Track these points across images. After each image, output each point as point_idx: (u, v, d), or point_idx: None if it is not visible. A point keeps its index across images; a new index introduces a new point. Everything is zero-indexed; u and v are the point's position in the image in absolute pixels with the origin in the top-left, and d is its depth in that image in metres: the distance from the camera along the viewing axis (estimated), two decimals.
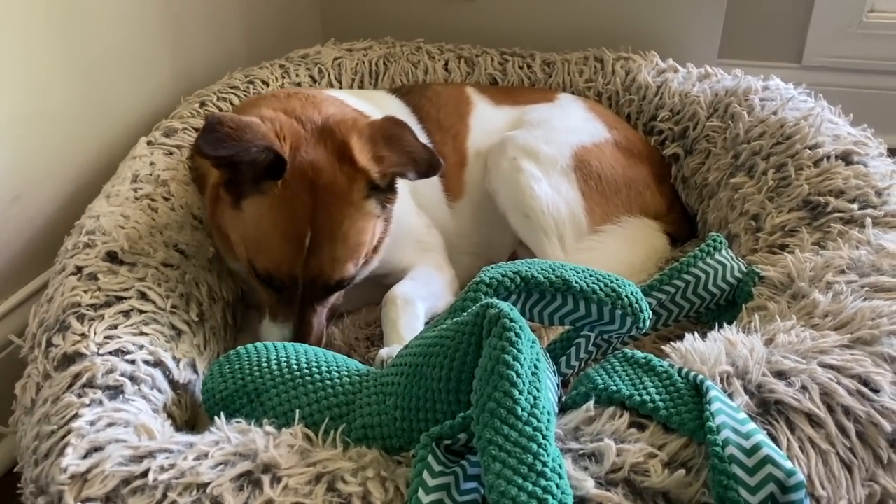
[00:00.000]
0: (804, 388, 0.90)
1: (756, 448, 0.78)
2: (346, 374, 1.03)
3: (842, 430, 0.89)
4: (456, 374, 0.88)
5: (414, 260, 1.51)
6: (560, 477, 0.77)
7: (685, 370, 0.90)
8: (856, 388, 0.92)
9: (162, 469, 0.87)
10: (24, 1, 1.35)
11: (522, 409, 0.79)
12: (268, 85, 1.77)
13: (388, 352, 1.19)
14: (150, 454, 0.89)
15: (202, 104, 1.66)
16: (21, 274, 1.43)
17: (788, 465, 0.77)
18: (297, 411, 0.97)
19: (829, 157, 1.44)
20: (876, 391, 0.92)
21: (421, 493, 0.79)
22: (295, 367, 1.03)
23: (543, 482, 0.75)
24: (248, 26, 2.02)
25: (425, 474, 0.81)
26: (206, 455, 0.89)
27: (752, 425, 0.81)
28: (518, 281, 0.99)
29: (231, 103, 1.67)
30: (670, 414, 0.85)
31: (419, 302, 1.37)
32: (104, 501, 0.86)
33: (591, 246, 1.59)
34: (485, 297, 0.98)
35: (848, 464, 0.88)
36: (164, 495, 0.85)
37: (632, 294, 1.02)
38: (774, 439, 0.86)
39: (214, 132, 1.19)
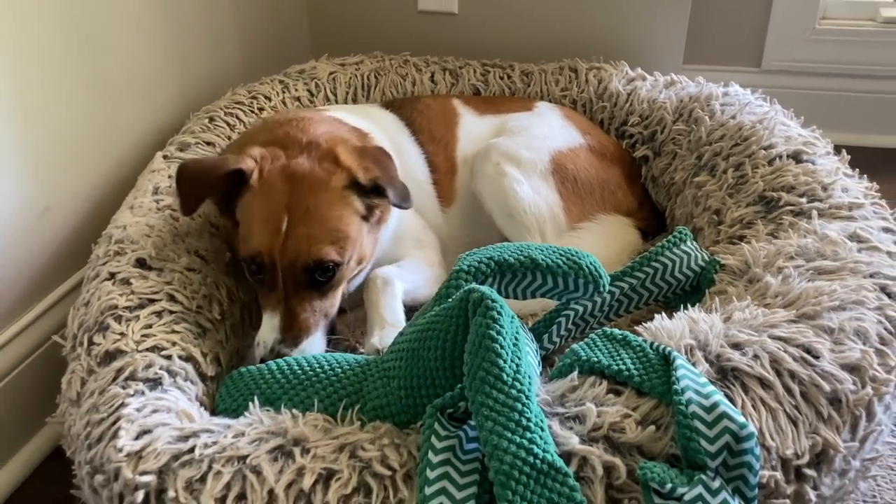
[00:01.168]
0: (756, 356, 1.01)
1: (714, 406, 0.89)
2: (349, 366, 1.13)
3: (788, 391, 0.99)
4: (449, 352, 0.99)
5: (410, 254, 1.58)
6: (542, 430, 0.88)
7: (655, 344, 1.01)
8: (800, 356, 1.02)
9: (206, 445, 0.96)
10: (46, 29, 1.42)
11: (507, 375, 0.90)
12: (269, 99, 1.84)
13: (379, 341, 1.29)
14: (194, 434, 0.98)
15: (211, 119, 1.73)
16: (50, 280, 1.50)
17: (741, 419, 0.88)
18: (311, 408, 1.06)
19: (781, 157, 1.53)
20: (817, 357, 1.03)
21: (431, 454, 0.89)
22: (299, 371, 1.12)
23: (528, 434, 0.86)
24: (244, 44, 2.08)
25: (433, 439, 0.91)
26: (242, 434, 0.98)
27: (711, 388, 0.92)
28: (492, 265, 1.10)
29: (237, 117, 1.75)
30: (643, 380, 0.96)
31: (397, 282, 1.43)
32: (157, 474, 0.94)
33: (570, 242, 1.65)
34: (465, 283, 1.08)
35: (794, 419, 0.98)
36: (210, 467, 0.93)
37: (590, 264, 1.13)
38: (731, 400, 0.96)
39: (181, 192, 1.33)
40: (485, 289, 0.97)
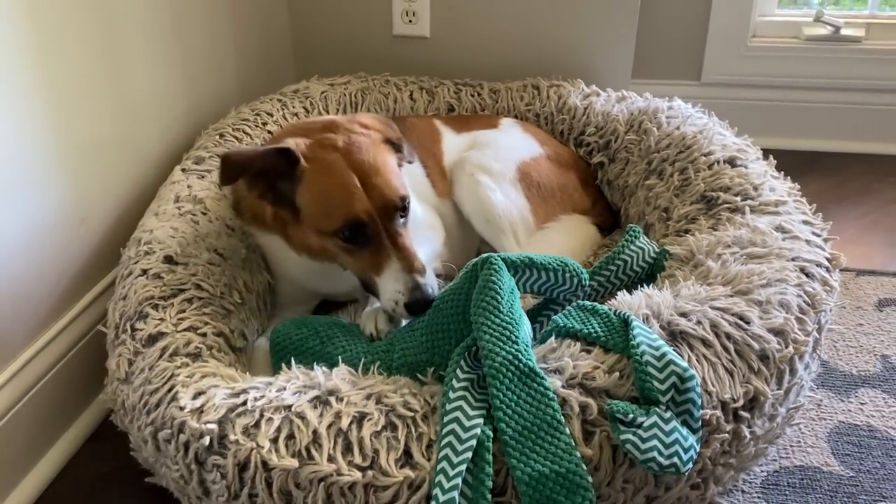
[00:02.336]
0: (699, 322, 1.19)
1: (663, 355, 1.08)
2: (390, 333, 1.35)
3: (725, 349, 1.17)
4: (463, 304, 1.21)
5: (420, 232, 1.64)
6: (527, 347, 1.10)
7: (618, 310, 1.20)
8: (734, 322, 1.20)
9: (255, 399, 1.11)
10: (83, 58, 1.53)
11: (503, 306, 1.14)
12: (271, 115, 1.94)
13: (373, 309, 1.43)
14: (244, 391, 1.13)
15: (221, 135, 1.83)
16: (86, 282, 1.60)
17: (684, 364, 1.08)
18: (358, 350, 1.26)
19: (718, 162, 1.68)
20: (748, 323, 1.21)
21: (454, 381, 1.09)
22: (350, 328, 1.32)
23: (516, 347, 1.10)
24: (241, 68, 2.18)
25: (458, 371, 1.11)
26: (283, 388, 1.14)
27: (661, 342, 1.11)
28: (500, 260, 1.26)
29: (244, 132, 1.85)
30: (608, 339, 1.15)
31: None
32: (217, 423, 1.08)
33: (539, 239, 1.82)
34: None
35: (730, 371, 1.16)
36: (262, 415, 1.08)
37: (573, 265, 1.34)
38: (679, 356, 1.13)
39: (226, 167, 1.36)
40: (491, 254, 1.20)
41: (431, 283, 1.34)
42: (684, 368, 1.07)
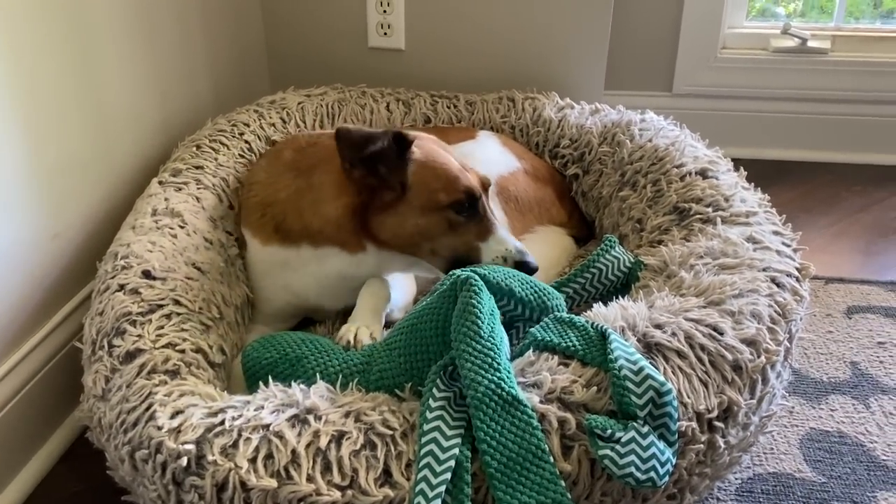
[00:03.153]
0: (674, 333, 1.19)
1: (641, 370, 1.08)
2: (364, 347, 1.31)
3: (699, 360, 1.18)
4: (442, 324, 1.18)
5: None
6: (509, 373, 1.08)
7: (595, 323, 1.20)
8: (708, 332, 1.21)
9: (234, 418, 1.08)
10: (54, 70, 1.50)
11: (483, 331, 1.11)
12: (248, 126, 1.92)
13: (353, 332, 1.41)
14: (222, 410, 1.11)
15: (198, 147, 1.80)
16: (59, 297, 1.57)
17: (662, 379, 1.08)
18: (332, 370, 1.22)
19: (690, 174, 1.68)
20: (721, 334, 1.22)
21: (431, 401, 1.08)
22: (323, 343, 1.28)
23: (498, 374, 1.07)
24: (214, 80, 2.16)
25: (434, 390, 1.09)
26: (262, 407, 1.11)
27: (638, 356, 1.11)
28: (479, 278, 1.23)
29: (220, 142, 1.83)
30: (586, 353, 1.14)
31: (393, 293, 1.56)
32: (195, 444, 1.06)
33: None
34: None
35: (704, 382, 1.16)
36: (240, 434, 1.06)
37: (556, 307, 1.30)
38: (655, 367, 1.14)
39: (347, 141, 1.43)
40: (469, 272, 1.18)
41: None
42: (661, 383, 1.08)
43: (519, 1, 2.31)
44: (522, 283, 1.28)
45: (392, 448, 1.06)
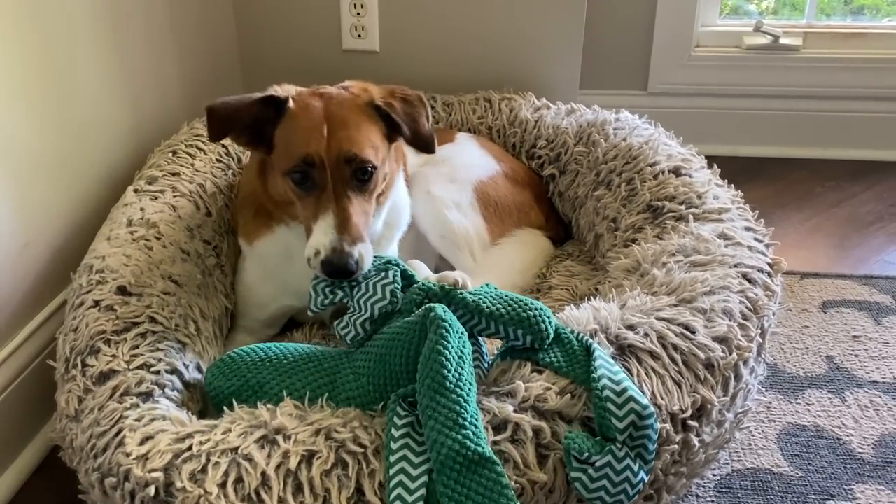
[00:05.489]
0: (646, 334, 1.18)
1: (624, 391, 1.05)
2: (325, 357, 1.24)
3: (672, 360, 1.17)
4: (413, 358, 1.12)
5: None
6: (476, 427, 1.01)
7: (580, 335, 1.16)
8: (680, 332, 1.20)
9: (201, 443, 1.06)
10: (21, 80, 1.47)
11: (450, 383, 1.03)
12: None
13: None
14: (189, 435, 1.08)
15: (174, 152, 1.76)
16: (30, 308, 1.54)
17: (644, 401, 1.05)
18: (295, 392, 1.17)
19: (664, 172, 1.68)
20: (693, 333, 1.21)
21: (393, 430, 1.04)
22: (284, 360, 1.23)
23: (464, 432, 1.00)
24: (185, 86, 2.13)
25: (395, 419, 1.05)
26: (230, 430, 1.08)
27: (622, 374, 1.08)
28: (441, 293, 1.18)
29: (197, 147, 1.79)
30: (569, 370, 1.11)
31: None
32: (163, 471, 1.03)
33: (494, 253, 1.80)
34: (417, 298, 1.19)
35: (678, 382, 1.15)
36: (208, 459, 1.03)
37: (534, 316, 1.15)
38: (629, 370, 1.14)
39: (214, 120, 1.35)
40: (440, 309, 1.09)
41: (358, 257, 1.28)
42: (644, 406, 1.05)
43: (493, 2, 2.30)
44: (492, 298, 1.18)
45: (364, 466, 1.03)
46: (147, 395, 1.19)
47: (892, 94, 2.72)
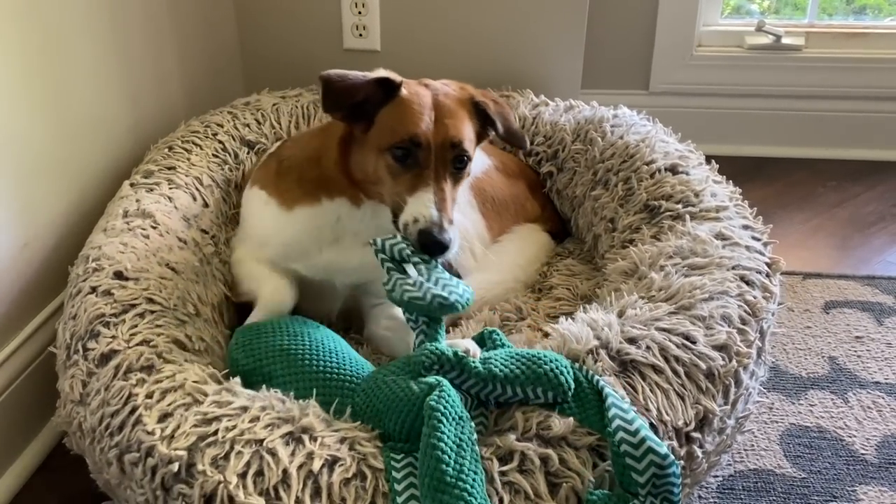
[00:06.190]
0: (648, 348, 1.15)
1: (642, 442, 1.00)
2: (334, 377, 1.20)
3: (675, 373, 1.13)
4: (407, 429, 1.07)
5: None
6: None
7: (591, 374, 1.11)
8: (681, 342, 1.17)
9: (227, 429, 1.04)
10: (21, 73, 1.46)
11: (450, 477, 0.97)
12: (222, 126, 1.86)
13: None
14: (216, 419, 1.06)
15: (170, 148, 1.75)
16: (30, 307, 1.53)
17: (663, 450, 1.00)
18: (300, 389, 1.16)
19: (660, 170, 1.64)
20: (694, 342, 1.18)
21: (394, 472, 1.01)
22: (297, 360, 1.21)
23: None
24: (185, 83, 2.11)
25: (392, 462, 1.03)
26: (257, 418, 1.06)
27: (638, 421, 1.03)
28: (455, 362, 1.11)
29: (193, 143, 1.78)
30: (583, 417, 1.07)
31: None
32: (187, 451, 1.02)
33: (495, 251, 1.77)
34: (427, 361, 1.11)
35: (681, 395, 1.12)
36: (232, 447, 1.02)
37: (552, 370, 1.09)
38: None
39: (330, 92, 1.36)
40: (434, 399, 1.03)
41: (452, 236, 1.30)
42: (664, 455, 1.00)
43: (495, 2, 2.28)
44: (503, 360, 1.11)
45: (381, 483, 1.01)
46: (150, 368, 1.18)
47: (894, 93, 2.70)
